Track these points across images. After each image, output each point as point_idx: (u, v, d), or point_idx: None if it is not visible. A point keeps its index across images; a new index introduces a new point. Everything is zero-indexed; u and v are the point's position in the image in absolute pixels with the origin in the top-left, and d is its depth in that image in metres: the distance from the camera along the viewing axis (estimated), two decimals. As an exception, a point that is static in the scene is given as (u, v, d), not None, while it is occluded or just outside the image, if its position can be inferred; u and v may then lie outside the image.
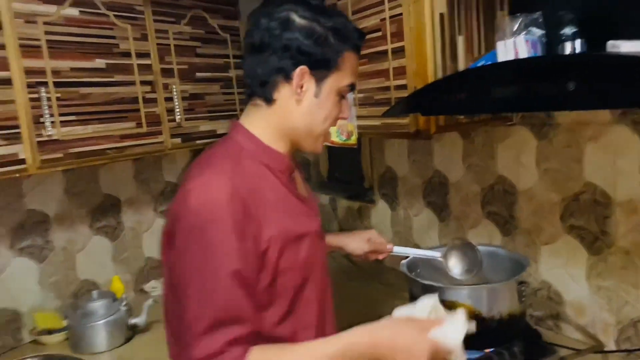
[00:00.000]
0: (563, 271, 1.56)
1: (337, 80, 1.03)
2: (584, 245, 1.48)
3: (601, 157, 1.40)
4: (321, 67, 1.01)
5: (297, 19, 0.99)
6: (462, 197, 1.88)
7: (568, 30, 1.02)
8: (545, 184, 1.57)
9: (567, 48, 0.97)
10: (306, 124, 1.04)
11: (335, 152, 2.65)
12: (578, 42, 0.97)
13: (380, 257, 1.47)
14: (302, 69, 0.99)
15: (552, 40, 1.05)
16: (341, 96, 1.06)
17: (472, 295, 1.12)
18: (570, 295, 1.55)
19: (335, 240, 1.46)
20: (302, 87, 1.01)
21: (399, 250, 1.45)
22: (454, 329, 0.91)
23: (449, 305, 1.07)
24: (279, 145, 1.06)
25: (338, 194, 2.62)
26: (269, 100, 1.03)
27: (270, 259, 0.97)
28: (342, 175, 2.64)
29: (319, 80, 1.02)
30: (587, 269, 1.49)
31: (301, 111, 1.03)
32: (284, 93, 1.02)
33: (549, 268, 1.60)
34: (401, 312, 0.98)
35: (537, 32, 1.07)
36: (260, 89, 1.03)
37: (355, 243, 1.45)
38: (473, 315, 1.15)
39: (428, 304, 0.98)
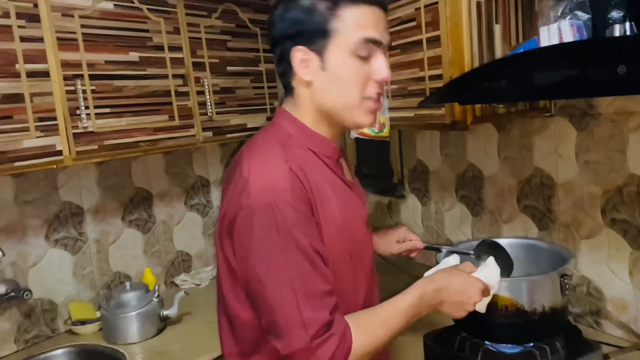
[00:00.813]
0: (604, 266, 1.51)
1: (341, 43, 0.96)
2: (627, 239, 1.43)
3: (646, 147, 1.35)
4: (316, 37, 0.96)
5: (290, 4, 0.98)
6: (497, 191, 1.84)
7: (616, 14, 0.98)
8: (585, 176, 1.52)
9: (617, 31, 0.94)
10: (328, 101, 1.00)
11: (363, 147, 2.62)
12: (628, 25, 0.93)
13: (412, 255, 1.44)
14: (295, 49, 0.97)
15: (599, 24, 1.02)
16: (361, 57, 0.97)
17: (513, 288, 1.09)
18: (612, 291, 1.50)
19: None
20: (307, 67, 0.98)
21: (432, 245, 1.42)
22: (491, 270, 1.08)
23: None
24: (323, 130, 1.04)
25: (367, 189, 2.59)
26: (290, 90, 1.03)
27: (326, 240, 0.96)
28: (371, 170, 2.61)
29: (320, 52, 0.97)
30: (630, 263, 1.44)
31: (317, 90, 1.00)
32: (298, 79, 1.00)
33: (589, 263, 1.55)
34: (430, 272, 1.10)
35: (583, 15, 1.04)
36: (283, 81, 1.04)
37: (385, 245, 1.43)
38: (515, 308, 1.12)
39: (452, 262, 1.13)
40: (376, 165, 2.52)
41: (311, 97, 1.01)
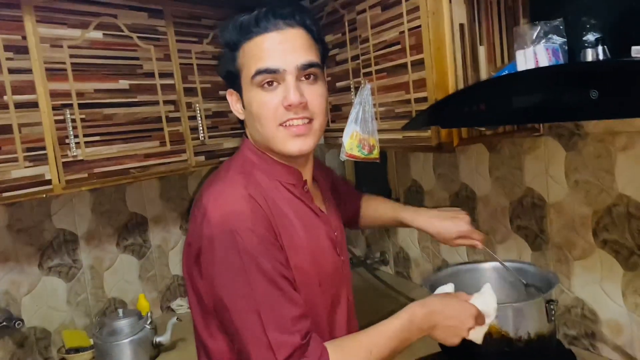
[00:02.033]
0: (598, 288, 1.48)
1: (245, 78, 1.00)
2: (619, 261, 1.41)
3: (634, 167, 1.33)
4: (232, 79, 1.04)
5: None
6: (490, 211, 1.83)
7: (590, 37, 0.97)
8: (575, 196, 1.50)
9: (589, 55, 0.93)
10: (256, 135, 1.04)
11: (361, 166, 2.62)
12: (600, 49, 0.92)
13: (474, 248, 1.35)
14: (227, 93, 1.09)
15: (574, 48, 1.01)
16: (263, 86, 0.98)
17: (498, 315, 1.07)
18: (606, 313, 1.47)
19: (423, 223, 1.34)
20: (235, 106, 1.08)
21: (490, 251, 1.36)
22: (487, 297, 1.06)
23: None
24: (279, 157, 1.06)
25: (377, 226, 2.58)
26: (242, 123, 1.11)
27: (293, 268, 0.96)
28: (370, 189, 2.60)
29: (239, 91, 1.04)
30: (623, 285, 1.41)
31: (248, 127, 1.07)
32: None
33: (582, 285, 1.53)
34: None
35: (558, 39, 1.03)
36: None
37: (445, 236, 1.32)
38: (499, 336, 1.10)
39: (448, 290, 1.12)
40: (374, 185, 2.51)
41: (249, 133, 1.08)
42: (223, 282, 0.91)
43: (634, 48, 0.87)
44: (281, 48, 0.97)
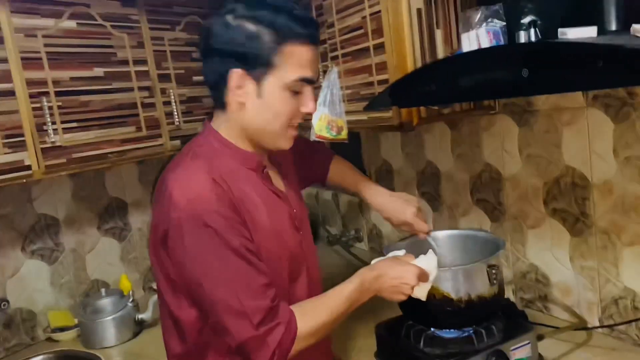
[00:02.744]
0: (549, 254, 1.60)
1: (279, 77, 1.01)
2: (566, 227, 1.52)
3: (577, 140, 1.44)
4: (257, 66, 1.00)
5: (232, 21, 0.99)
6: (452, 186, 1.93)
7: (526, 20, 1.06)
8: (528, 169, 1.61)
9: (522, 37, 1.02)
10: (256, 125, 1.06)
11: (336, 149, 2.70)
12: (532, 31, 1.01)
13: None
14: (235, 72, 1.00)
15: (513, 31, 1.10)
16: (293, 91, 1.04)
17: (438, 278, 1.17)
18: (557, 276, 1.59)
19: (377, 204, 1.43)
20: (241, 89, 1.01)
21: (430, 241, 1.40)
22: (429, 259, 1.18)
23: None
24: (245, 145, 1.10)
25: (340, 190, 2.67)
26: (222, 105, 1.06)
27: (256, 246, 1.03)
28: (344, 170, 2.69)
29: (258, 79, 1.01)
30: (571, 250, 1.52)
31: (248, 114, 1.04)
32: (230, 97, 1.04)
33: (536, 251, 1.64)
34: (375, 261, 1.20)
35: (498, 23, 1.12)
36: (214, 94, 1.08)
37: (394, 220, 1.40)
38: (442, 297, 1.21)
39: (398, 253, 1.23)
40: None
41: (240, 117, 1.06)
42: (194, 263, 0.98)
43: (560, 30, 0.96)
44: (315, 64, 1.07)
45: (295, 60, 1.01)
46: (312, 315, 1.05)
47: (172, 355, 1.13)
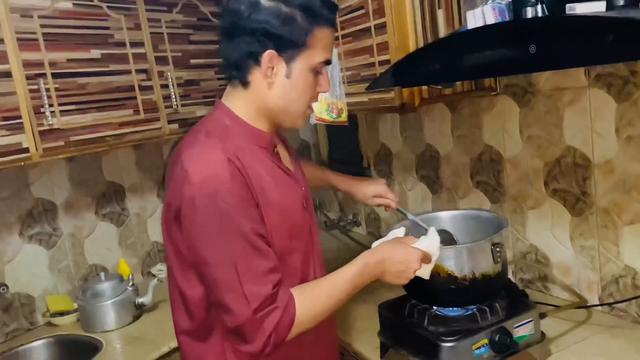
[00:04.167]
0: (549, 234, 1.61)
1: (308, 58, 1.05)
2: (567, 208, 1.53)
3: (579, 120, 1.44)
4: (290, 47, 1.03)
5: (264, 1, 1.01)
6: (452, 169, 1.94)
7: (533, -4, 1.06)
8: (528, 150, 1.61)
9: (529, 13, 1.02)
10: (282, 104, 1.08)
11: (334, 133, 2.70)
12: (539, 7, 1.01)
13: (386, 210, 1.53)
14: (269, 52, 1.02)
15: (519, 7, 1.09)
16: (316, 72, 1.08)
17: (442, 256, 1.18)
18: (557, 256, 1.60)
19: (345, 185, 1.55)
20: (272, 69, 1.04)
21: (402, 209, 1.48)
22: (431, 239, 1.16)
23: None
24: (260, 124, 1.11)
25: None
26: (244, 84, 1.07)
27: (267, 224, 1.05)
28: (342, 155, 2.70)
29: (289, 60, 1.04)
30: (571, 230, 1.53)
31: (274, 93, 1.07)
32: (256, 76, 1.06)
33: (536, 232, 1.65)
34: (377, 243, 1.19)
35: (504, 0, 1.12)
36: (235, 73, 1.07)
37: (363, 196, 1.51)
38: (446, 275, 1.21)
39: (398, 233, 1.22)
40: (347, 151, 2.60)
41: (263, 96, 1.08)
42: (203, 240, 1.00)
43: (568, 5, 0.96)
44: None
45: (322, 43, 1.06)
46: (311, 299, 1.05)
47: (180, 331, 1.14)
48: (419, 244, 1.16)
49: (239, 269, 0.98)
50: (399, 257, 1.12)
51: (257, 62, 1.04)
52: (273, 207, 1.06)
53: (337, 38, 1.71)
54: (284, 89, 1.07)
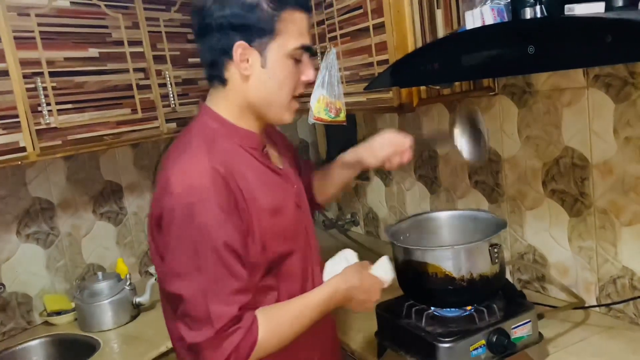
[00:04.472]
0: (547, 234, 1.61)
1: (281, 44, 1.02)
2: (565, 208, 1.53)
3: (577, 121, 1.44)
4: (259, 35, 1.00)
5: None
6: (450, 169, 1.93)
7: (531, -3, 1.05)
8: (527, 150, 1.61)
9: (528, 13, 1.01)
10: (262, 96, 1.05)
11: (332, 132, 2.69)
12: (538, 8, 1.01)
13: (405, 159, 1.28)
14: (239, 44, 0.99)
15: (517, 8, 1.09)
16: (295, 59, 1.04)
17: (439, 256, 1.19)
18: (554, 257, 1.60)
19: (351, 159, 1.34)
20: (247, 61, 1.01)
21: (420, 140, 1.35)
22: (385, 266, 1.18)
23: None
24: (246, 123, 1.08)
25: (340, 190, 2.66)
26: (223, 81, 1.05)
27: (257, 229, 1.03)
28: (340, 154, 2.69)
29: (262, 49, 1.01)
30: (569, 230, 1.53)
31: (253, 85, 1.03)
32: (232, 71, 1.03)
33: (534, 232, 1.65)
34: (332, 264, 1.19)
35: (502, 0, 1.11)
36: (213, 72, 1.05)
37: (370, 156, 1.29)
38: (443, 276, 1.21)
39: (349, 255, 1.20)
40: (345, 150, 2.59)
41: (243, 91, 1.05)
42: (176, 251, 0.98)
43: (566, 6, 0.96)
44: (310, 33, 1.09)
45: (295, 27, 1.02)
46: (276, 323, 1.03)
47: (176, 339, 1.12)
48: (375, 271, 1.17)
49: (207, 288, 0.96)
50: (366, 287, 1.13)
51: (230, 56, 1.00)
52: (264, 211, 1.04)
53: (335, 38, 1.71)
54: (261, 80, 1.03)
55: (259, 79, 1.03)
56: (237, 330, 0.96)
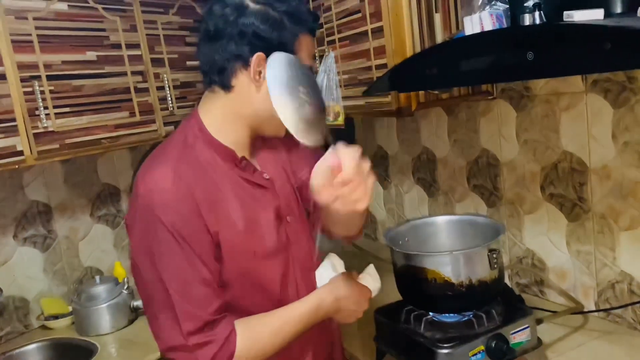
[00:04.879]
0: (545, 238, 1.61)
1: None
2: (563, 212, 1.53)
3: (576, 125, 1.44)
4: (273, 49, 0.98)
5: (251, 4, 0.99)
6: (449, 172, 1.93)
7: (530, 2, 1.05)
8: (525, 154, 1.61)
9: (527, 20, 1.01)
10: (267, 109, 0.98)
11: (331, 136, 2.69)
12: (537, 14, 1.00)
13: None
14: (259, 55, 0.98)
15: (516, 14, 1.09)
16: None
17: (439, 262, 1.18)
18: (553, 261, 1.60)
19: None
20: (260, 73, 1.00)
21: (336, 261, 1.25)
22: (373, 275, 1.18)
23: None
24: (229, 134, 1.05)
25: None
26: (227, 88, 1.02)
27: (224, 242, 1.00)
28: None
29: None
30: (567, 235, 1.53)
31: (261, 97, 1.01)
32: (242, 79, 1.01)
33: (532, 236, 1.65)
34: (322, 271, 1.17)
35: (501, 6, 1.11)
36: (218, 77, 1.02)
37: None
38: (443, 281, 1.21)
39: (336, 262, 1.18)
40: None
41: (249, 100, 1.03)
42: (142, 254, 0.97)
43: (565, 12, 0.96)
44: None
45: (306, 50, 1.05)
46: (256, 334, 1.00)
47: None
48: (364, 281, 1.16)
49: (172, 290, 0.94)
50: (355, 297, 1.12)
51: (246, 65, 1.00)
52: (232, 225, 1.01)
53: (333, 41, 1.71)
54: (259, 93, 1.02)
55: (266, 93, 0.99)
56: (211, 342, 0.94)
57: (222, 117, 1.05)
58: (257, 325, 1.02)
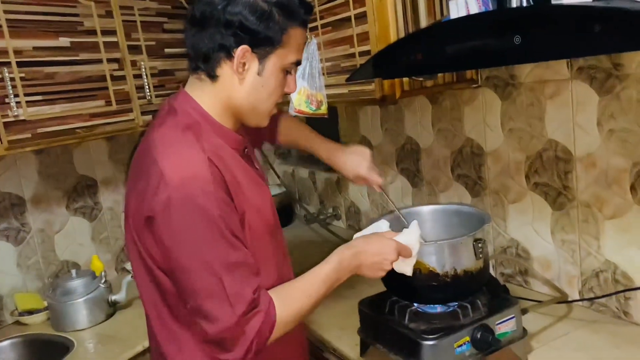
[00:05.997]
0: (530, 228, 1.59)
1: (281, 57, 1.02)
2: (548, 201, 1.52)
3: (561, 113, 1.43)
4: (265, 44, 0.99)
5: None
6: (433, 162, 1.91)
7: (517, -15, 1.03)
8: (510, 143, 1.59)
9: (514, 2, 0.99)
10: (250, 101, 1.04)
11: (314, 125, 2.65)
12: (524, -4, 0.98)
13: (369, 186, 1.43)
14: (243, 48, 0.97)
15: (503, -3, 1.06)
16: (286, 72, 1.06)
17: (423, 252, 1.16)
18: (537, 250, 1.59)
19: (325, 154, 1.42)
20: (244, 65, 1.00)
21: (386, 194, 1.44)
22: (412, 233, 1.15)
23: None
24: (227, 121, 1.06)
25: (317, 167, 2.64)
26: (212, 77, 1.02)
27: (247, 224, 1.02)
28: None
29: (262, 57, 1.01)
30: (552, 224, 1.52)
31: (244, 89, 1.02)
32: (226, 70, 1.00)
33: (517, 226, 1.64)
34: (361, 233, 1.19)
35: (488, -12, 1.08)
36: (203, 65, 1.01)
37: (344, 171, 1.39)
38: (427, 272, 1.19)
39: (382, 226, 1.21)
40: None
41: (232, 92, 1.02)
42: (181, 246, 0.94)
43: (553, -5, 0.93)
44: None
45: (296, 42, 1.04)
46: (290, 300, 1.03)
47: (168, 341, 1.07)
48: (399, 237, 1.14)
49: (222, 274, 0.94)
50: (374, 249, 1.11)
51: (229, 56, 0.99)
52: (249, 209, 1.03)
53: (316, 28, 1.66)
54: (254, 87, 1.03)
55: (251, 85, 1.03)
56: (257, 313, 0.96)
57: (214, 105, 1.04)
58: (289, 291, 1.04)
